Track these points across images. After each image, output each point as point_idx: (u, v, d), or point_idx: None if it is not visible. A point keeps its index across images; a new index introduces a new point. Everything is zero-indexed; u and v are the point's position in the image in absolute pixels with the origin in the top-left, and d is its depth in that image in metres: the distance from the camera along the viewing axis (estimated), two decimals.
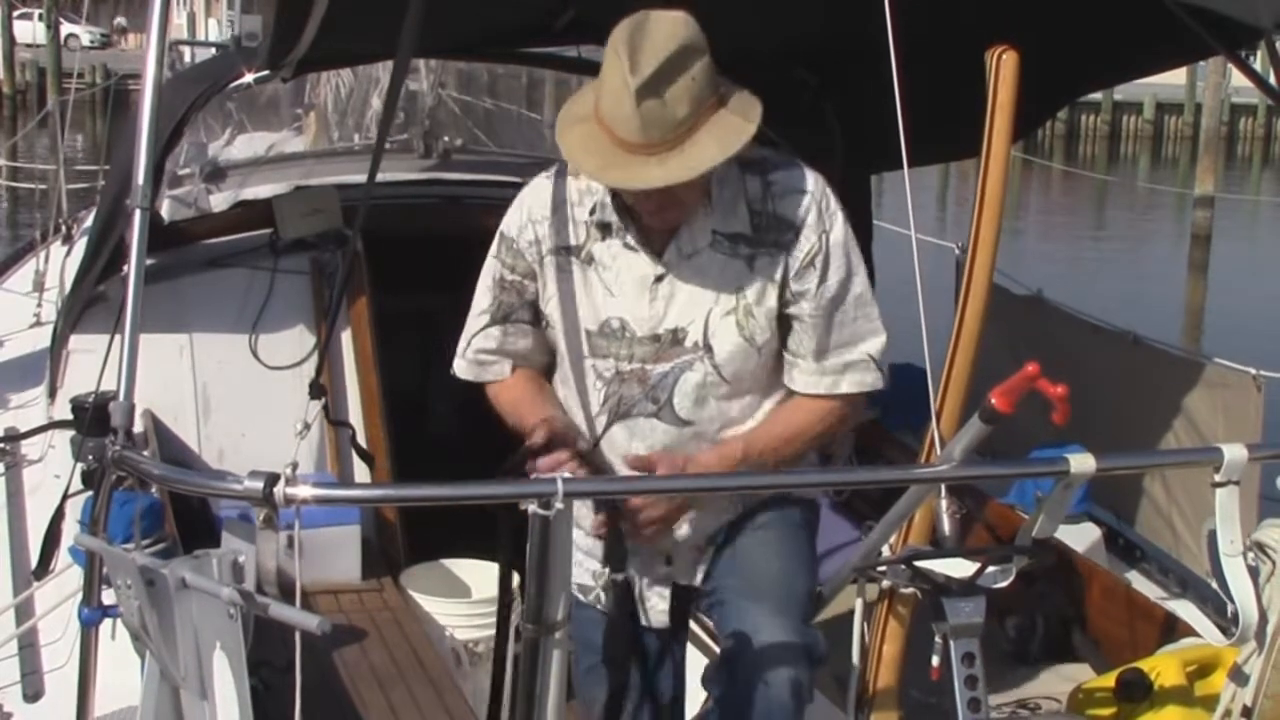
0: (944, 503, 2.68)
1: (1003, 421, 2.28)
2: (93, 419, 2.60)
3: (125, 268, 2.80)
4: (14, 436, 4.96)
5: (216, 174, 6.55)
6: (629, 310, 2.84)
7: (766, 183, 2.81)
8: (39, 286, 6.86)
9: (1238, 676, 2.64)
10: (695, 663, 3.16)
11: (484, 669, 4.30)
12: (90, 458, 2.64)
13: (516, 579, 2.57)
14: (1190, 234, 21.35)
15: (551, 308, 2.93)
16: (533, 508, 2.15)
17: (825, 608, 3.06)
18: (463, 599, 4.52)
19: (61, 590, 3.53)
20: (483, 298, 3.00)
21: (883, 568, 2.78)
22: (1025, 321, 5.26)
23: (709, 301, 2.81)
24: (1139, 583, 4.38)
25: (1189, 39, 3.50)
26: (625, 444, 2.88)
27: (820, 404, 2.89)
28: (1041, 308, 5.30)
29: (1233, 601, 2.55)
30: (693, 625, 3.24)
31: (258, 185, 6.21)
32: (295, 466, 2.11)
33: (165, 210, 5.99)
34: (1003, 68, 2.66)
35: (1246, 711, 2.60)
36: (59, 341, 5.05)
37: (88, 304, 4.84)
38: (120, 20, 43.87)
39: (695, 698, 3.01)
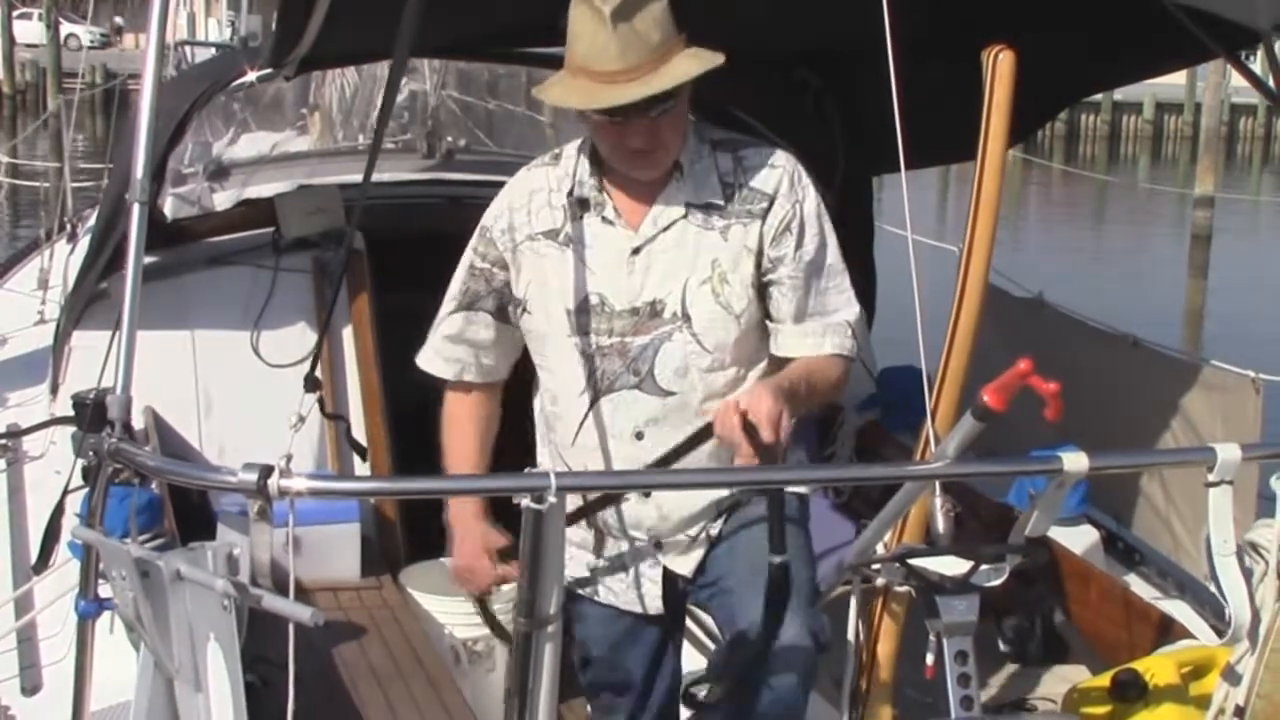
0: (938, 501, 2.69)
1: (995, 418, 2.29)
2: (93, 415, 2.60)
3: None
4: (16, 433, 4.98)
5: (220, 172, 6.58)
6: (607, 285, 2.90)
7: (738, 157, 2.92)
8: (43, 284, 6.89)
9: (1230, 676, 2.65)
10: (690, 657, 3.17)
11: (483, 667, 4.31)
12: (90, 452, 2.66)
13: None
14: (1190, 234, 21.34)
15: (531, 292, 2.97)
16: (526, 502, 2.16)
17: (820, 606, 3.06)
18: (462, 597, 4.52)
19: (61, 585, 3.54)
20: (453, 286, 3.07)
21: (877, 566, 2.78)
22: (1026, 324, 5.27)
23: (685, 272, 2.88)
24: (1137, 585, 4.38)
25: (1188, 41, 3.50)
26: (610, 419, 2.91)
27: (811, 360, 2.92)
28: (1042, 310, 5.31)
29: (1227, 602, 2.56)
30: (689, 619, 3.25)
31: (261, 184, 6.24)
32: (289, 459, 2.12)
33: (168, 208, 6.02)
34: (999, 67, 2.67)
35: (1239, 711, 2.60)
36: (61, 338, 5.07)
37: (90, 301, 4.86)
38: (117, 20, 43.86)
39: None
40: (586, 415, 2.93)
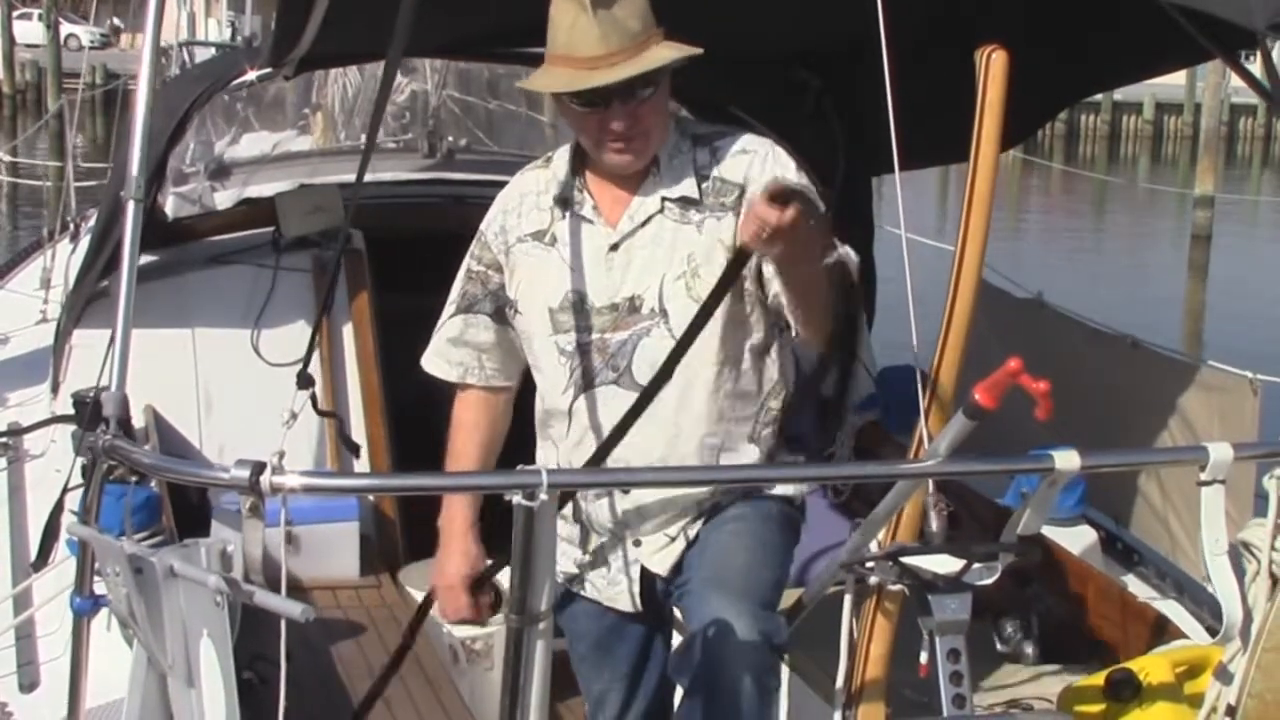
0: (931, 499, 2.69)
1: (987, 417, 2.29)
2: (92, 413, 2.61)
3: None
4: (16, 431, 5.00)
5: (221, 171, 6.61)
6: (587, 282, 2.92)
7: (714, 149, 2.93)
8: (45, 284, 6.92)
9: (1223, 675, 2.65)
10: None
11: (480, 666, 4.32)
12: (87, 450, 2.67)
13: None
14: (1190, 234, 21.34)
15: (521, 293, 3.00)
16: (517, 499, 2.17)
17: (814, 604, 3.07)
18: None
19: (60, 582, 3.56)
20: (454, 289, 3.09)
21: (870, 564, 2.79)
22: (1025, 325, 5.27)
23: (662, 267, 2.89)
24: (1135, 585, 4.39)
25: (1186, 41, 3.50)
26: (591, 415, 2.92)
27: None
28: (1041, 311, 5.31)
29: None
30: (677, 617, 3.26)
31: (262, 183, 6.26)
32: (282, 455, 2.13)
33: (170, 207, 6.04)
34: (991, 67, 2.67)
35: (1231, 710, 2.60)
36: (62, 337, 5.09)
37: (90, 300, 4.87)
38: (113, 20, 43.89)
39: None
40: (571, 412, 2.95)
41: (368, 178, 3.36)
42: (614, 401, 2.90)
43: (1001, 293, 5.42)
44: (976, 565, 2.66)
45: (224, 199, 6.22)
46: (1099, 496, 4.76)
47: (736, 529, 2.95)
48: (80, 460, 2.98)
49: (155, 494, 3.71)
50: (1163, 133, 43.04)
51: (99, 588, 2.48)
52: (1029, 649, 4.03)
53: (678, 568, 2.99)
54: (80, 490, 3.38)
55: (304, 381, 3.04)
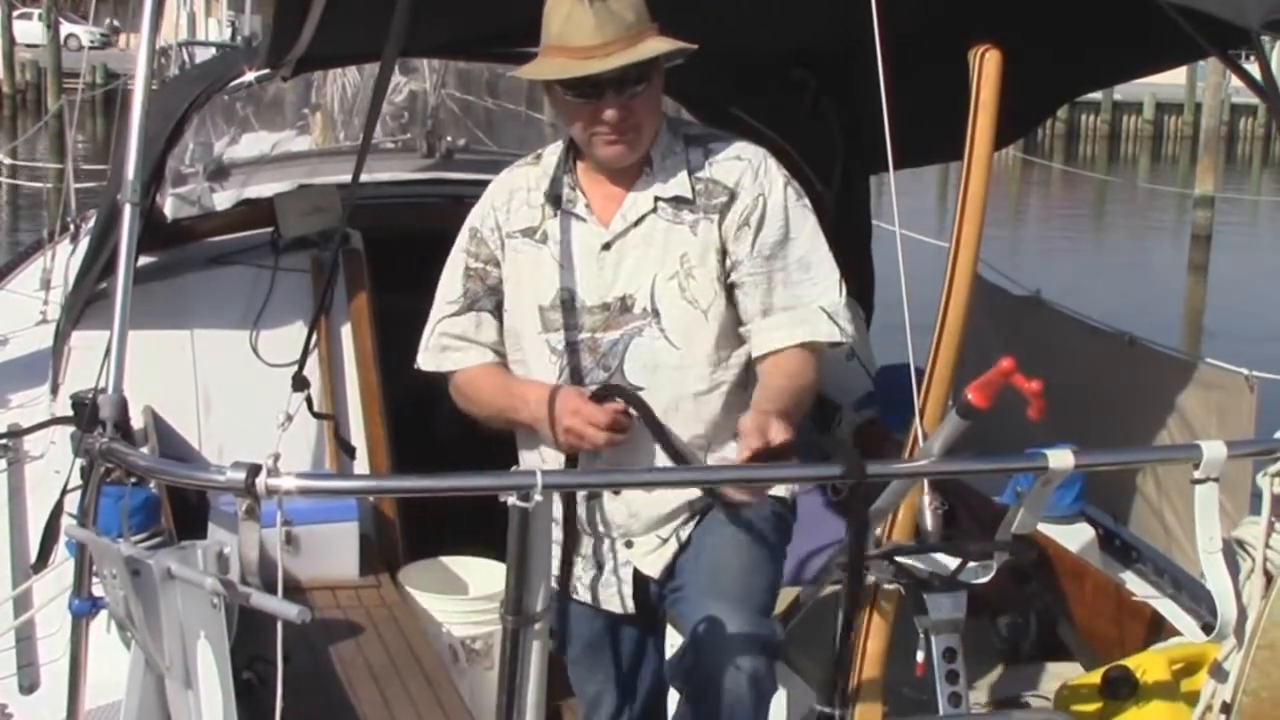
0: (926, 498, 2.70)
1: (980, 416, 2.30)
2: (90, 415, 2.62)
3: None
4: (16, 433, 5.00)
5: (220, 172, 6.61)
6: (578, 281, 2.92)
7: (707, 150, 2.95)
8: (45, 285, 6.92)
9: (1218, 673, 2.66)
10: None
11: (480, 665, 4.33)
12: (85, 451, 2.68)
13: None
14: (1190, 234, 21.33)
15: (508, 289, 3.01)
16: (512, 500, 2.18)
17: (811, 603, 3.08)
18: (460, 596, 4.54)
19: (59, 584, 3.56)
20: (450, 288, 3.07)
21: (866, 563, 2.79)
22: (1023, 322, 5.27)
23: (654, 267, 2.90)
24: (1133, 583, 4.39)
25: (1182, 39, 3.51)
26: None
27: (784, 355, 2.90)
28: (1039, 308, 5.31)
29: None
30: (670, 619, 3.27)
31: (261, 184, 6.26)
32: (277, 458, 2.14)
33: (169, 208, 6.04)
34: (985, 67, 2.68)
35: (1226, 708, 2.61)
36: (61, 338, 5.09)
37: (89, 301, 4.88)
38: (111, 20, 43.89)
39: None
40: None
41: (366, 178, 3.37)
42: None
43: (999, 290, 5.43)
44: (972, 564, 2.67)
45: (223, 200, 6.22)
46: (1097, 494, 4.76)
47: (729, 533, 2.95)
48: (79, 462, 2.99)
49: (154, 495, 3.71)
50: (1163, 133, 43.05)
51: (97, 590, 2.49)
52: (1025, 647, 4.03)
53: (670, 571, 3.00)
54: (79, 491, 3.40)
55: (299, 384, 3.04)
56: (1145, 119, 42.86)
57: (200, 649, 2.19)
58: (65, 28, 38.18)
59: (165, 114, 4.73)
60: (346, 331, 5.04)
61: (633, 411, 2.79)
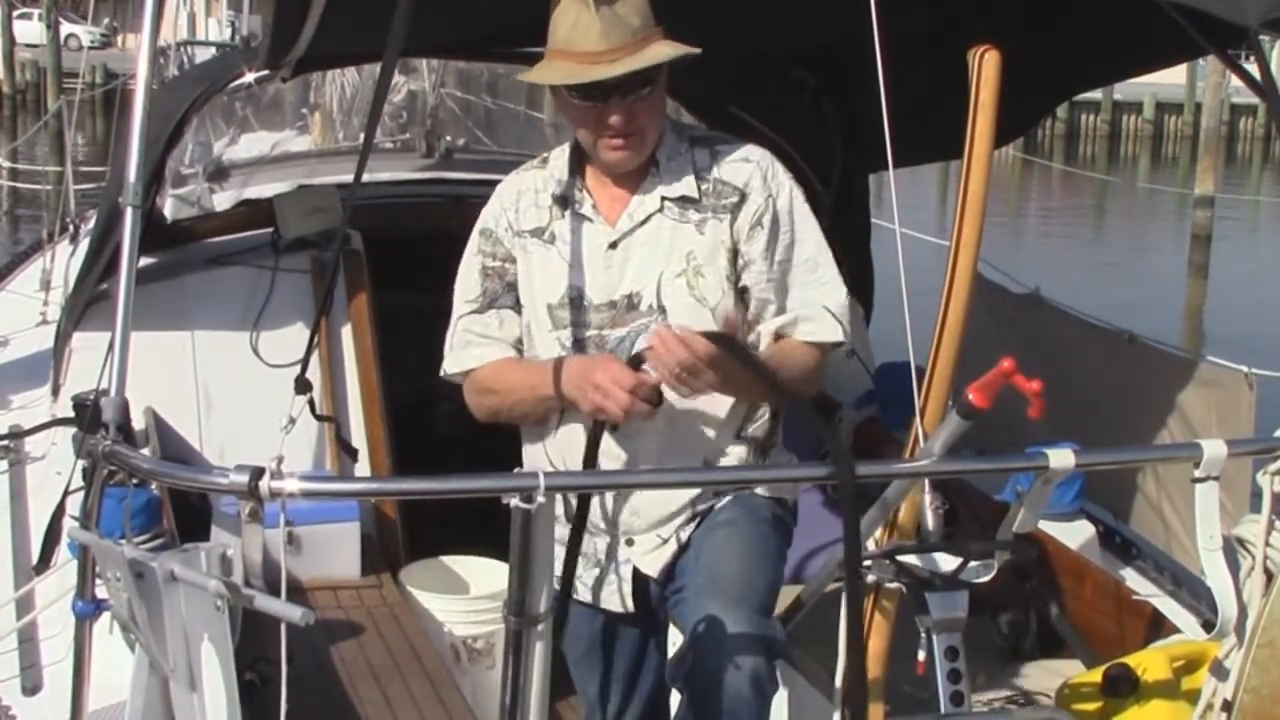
0: (927, 497, 2.71)
1: (980, 416, 2.30)
2: (92, 417, 2.63)
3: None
4: (17, 434, 5.00)
5: (220, 173, 6.61)
6: (585, 279, 2.95)
7: (713, 152, 2.98)
8: (45, 286, 6.91)
9: (1219, 671, 2.67)
10: None
11: (482, 665, 4.34)
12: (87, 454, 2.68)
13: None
14: (1190, 234, 21.33)
15: (522, 288, 3.03)
16: (515, 502, 2.19)
17: (812, 602, 3.08)
18: (462, 595, 4.55)
19: (61, 585, 3.55)
20: (468, 289, 3.08)
21: (867, 562, 2.80)
22: (1022, 320, 5.27)
23: (661, 265, 2.93)
24: (1133, 580, 4.39)
25: (1180, 37, 3.51)
26: (584, 413, 2.91)
27: (782, 345, 2.96)
28: (1039, 306, 5.32)
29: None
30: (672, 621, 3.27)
31: (261, 184, 6.26)
32: (280, 460, 2.14)
33: (169, 209, 6.04)
34: (984, 67, 2.68)
35: (1227, 706, 2.62)
36: (62, 340, 5.09)
37: (90, 302, 4.88)
38: (108, 20, 43.88)
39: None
40: (565, 407, 2.94)
41: (366, 178, 3.37)
42: None
43: (999, 288, 5.43)
44: (973, 563, 2.68)
45: (223, 200, 6.22)
46: (1098, 491, 4.76)
47: (729, 534, 2.96)
48: (81, 464, 3.00)
49: (156, 497, 3.71)
50: (1163, 132, 43.08)
51: (100, 591, 2.50)
52: (1027, 645, 4.04)
53: (670, 573, 3.01)
54: (81, 493, 3.40)
55: (301, 387, 3.04)
56: (1145, 119, 42.88)
57: (204, 651, 2.20)
58: (65, 28, 38.13)
59: (165, 115, 4.73)
60: (347, 332, 5.05)
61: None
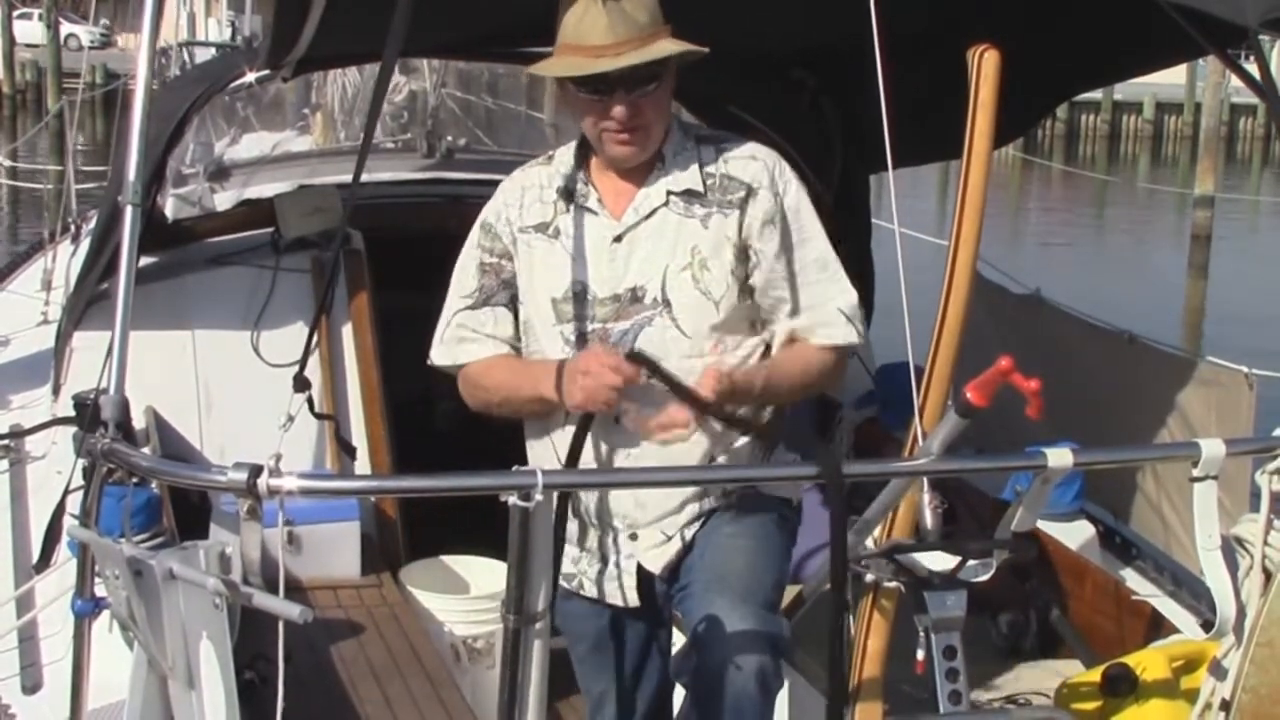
0: (926, 496, 2.71)
1: (978, 415, 2.31)
2: (92, 416, 2.64)
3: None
4: (18, 433, 5.01)
5: (221, 173, 6.61)
6: (589, 273, 2.96)
7: (719, 149, 2.99)
8: (46, 286, 6.92)
9: (1217, 670, 2.67)
10: None
11: (482, 665, 4.34)
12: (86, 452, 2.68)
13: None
14: (1190, 234, 21.32)
15: (521, 283, 3.04)
16: (513, 499, 2.19)
17: (812, 600, 3.09)
18: (462, 595, 4.55)
19: (62, 584, 3.56)
20: (464, 284, 3.09)
21: (866, 562, 2.80)
22: (1023, 320, 5.28)
23: (665, 258, 2.94)
24: (1132, 580, 4.40)
25: (1180, 38, 3.52)
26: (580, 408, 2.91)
27: (797, 349, 2.98)
28: (1039, 307, 5.32)
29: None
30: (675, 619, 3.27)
31: (261, 184, 6.26)
32: (279, 458, 2.14)
33: (170, 209, 6.04)
34: (984, 66, 2.69)
35: (1225, 705, 2.62)
36: (62, 339, 5.10)
37: (91, 302, 4.88)
38: (104, 21, 43.88)
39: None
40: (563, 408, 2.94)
41: (366, 178, 3.37)
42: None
43: (1000, 289, 5.44)
44: (971, 562, 2.68)
45: (223, 200, 6.23)
46: (1097, 491, 4.77)
47: (734, 532, 2.97)
48: (81, 462, 3.00)
49: (156, 495, 3.72)
50: (1163, 132, 43.11)
51: (100, 590, 2.50)
52: (1026, 644, 4.05)
53: (674, 571, 3.02)
54: (81, 492, 3.40)
55: (300, 385, 3.05)
56: (1145, 119, 42.90)
57: (203, 649, 2.20)
58: (65, 28, 38.16)
59: (166, 115, 4.74)
60: (347, 331, 5.05)
61: (655, 382, 2.81)
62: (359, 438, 4.93)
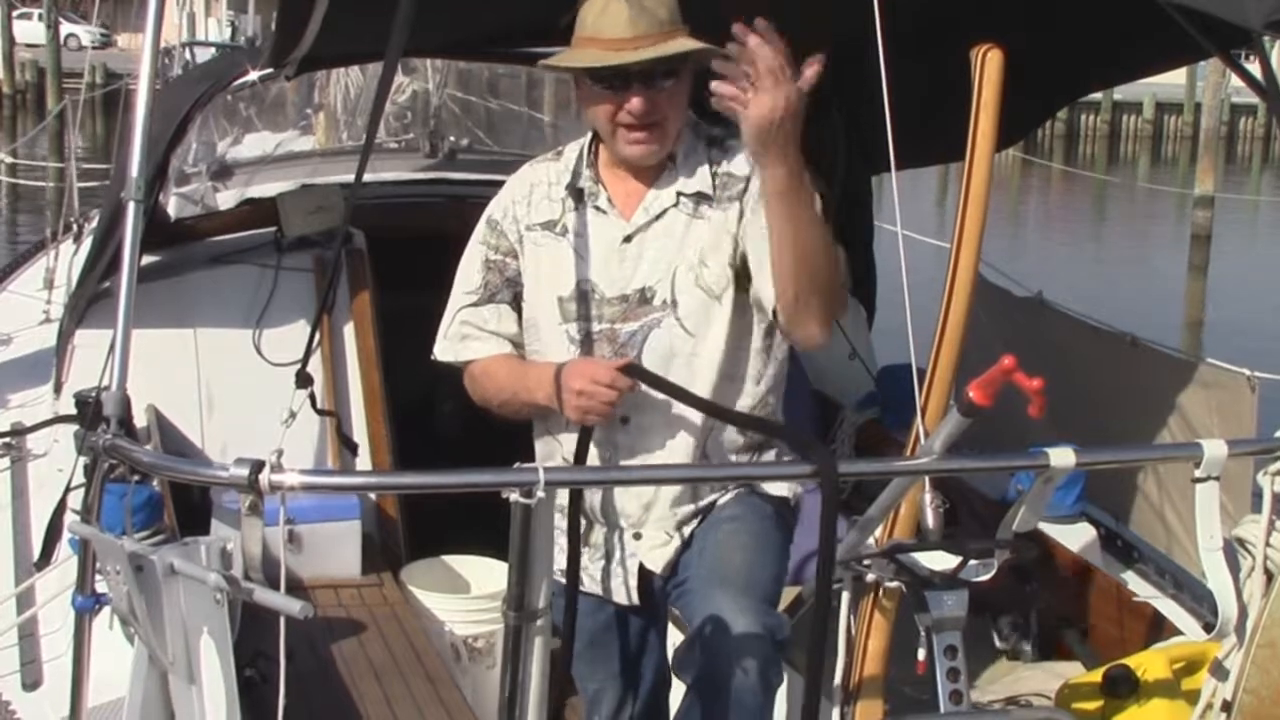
0: (927, 496, 2.71)
1: (981, 414, 2.30)
2: (94, 413, 2.64)
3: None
4: (19, 431, 5.01)
5: (223, 172, 6.62)
6: (598, 273, 2.96)
7: (725, 148, 2.99)
8: (48, 284, 6.92)
9: (1219, 671, 2.67)
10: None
11: (483, 664, 4.34)
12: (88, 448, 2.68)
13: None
14: (1190, 234, 21.33)
15: (527, 281, 3.04)
16: (514, 496, 2.19)
17: (813, 600, 3.08)
18: (463, 594, 4.55)
19: (63, 581, 3.57)
20: (469, 279, 3.10)
21: (867, 561, 2.80)
22: (1026, 323, 5.28)
23: (674, 259, 2.94)
24: (1134, 582, 4.39)
25: (1183, 40, 3.51)
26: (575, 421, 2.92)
27: None
28: (1042, 310, 5.32)
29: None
30: (673, 616, 3.28)
31: (264, 183, 6.27)
32: (280, 454, 2.14)
33: (172, 207, 6.05)
34: (987, 67, 2.69)
35: (1226, 706, 2.62)
36: (64, 337, 5.10)
37: (92, 300, 4.88)
38: (102, 20, 43.89)
39: (680, 684, 3.04)
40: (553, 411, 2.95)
41: (369, 177, 3.37)
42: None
43: (1002, 291, 5.43)
44: (972, 562, 2.68)
45: (226, 199, 6.23)
46: (1098, 493, 4.77)
47: (732, 528, 2.98)
48: (82, 459, 3.00)
49: (157, 493, 3.72)
50: (1163, 132, 43.15)
51: (100, 586, 2.50)
52: (1027, 645, 4.04)
53: (673, 568, 3.03)
54: (83, 489, 3.40)
55: (303, 381, 3.06)
56: (1145, 119, 42.96)
57: (203, 645, 2.20)
58: (65, 28, 38.18)
59: (168, 113, 4.74)
60: (349, 330, 5.05)
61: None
62: (360, 437, 4.93)
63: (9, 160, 14.34)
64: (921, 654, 2.72)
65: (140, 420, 4.46)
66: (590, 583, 3.09)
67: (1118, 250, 22.85)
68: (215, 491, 4.30)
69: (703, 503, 3.03)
